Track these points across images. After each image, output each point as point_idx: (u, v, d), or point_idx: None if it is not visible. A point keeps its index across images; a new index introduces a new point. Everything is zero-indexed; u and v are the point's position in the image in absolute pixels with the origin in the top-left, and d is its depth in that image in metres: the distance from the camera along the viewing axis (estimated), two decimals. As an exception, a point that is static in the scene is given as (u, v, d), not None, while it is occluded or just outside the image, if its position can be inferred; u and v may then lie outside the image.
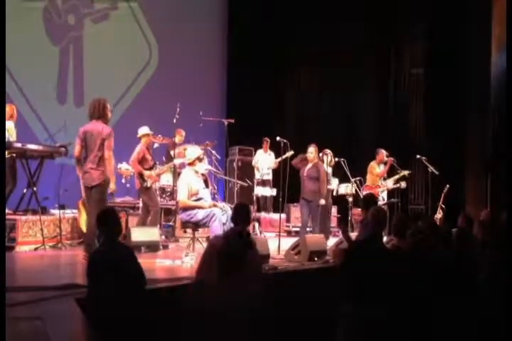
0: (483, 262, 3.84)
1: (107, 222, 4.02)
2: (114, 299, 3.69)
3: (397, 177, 9.60)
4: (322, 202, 8.37)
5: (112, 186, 6.09)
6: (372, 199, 6.19)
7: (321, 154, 8.94)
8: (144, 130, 7.91)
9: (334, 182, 9.24)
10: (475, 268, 3.80)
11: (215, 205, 6.87)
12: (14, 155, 7.37)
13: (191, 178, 6.88)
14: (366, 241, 4.30)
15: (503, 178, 9.41)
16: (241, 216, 4.89)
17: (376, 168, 9.50)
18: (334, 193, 9.53)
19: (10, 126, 7.57)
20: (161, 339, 3.66)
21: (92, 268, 3.91)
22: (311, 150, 8.51)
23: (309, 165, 8.47)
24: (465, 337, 3.45)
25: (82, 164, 6.13)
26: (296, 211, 9.67)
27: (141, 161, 7.70)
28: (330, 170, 9.01)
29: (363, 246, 4.18)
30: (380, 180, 9.48)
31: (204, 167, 7.68)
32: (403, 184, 9.52)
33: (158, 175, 8.04)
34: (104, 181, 6.03)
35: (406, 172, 9.67)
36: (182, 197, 6.69)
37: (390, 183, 9.48)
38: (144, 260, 6.18)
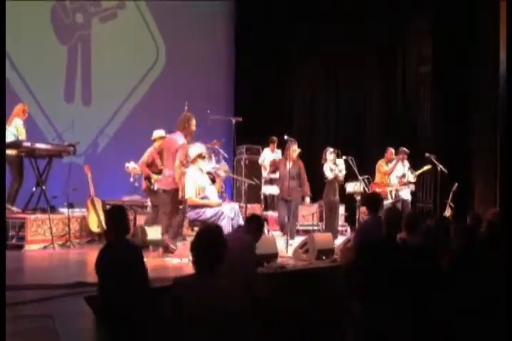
0: (489, 261, 3.83)
1: (115, 219, 4.00)
2: (119, 296, 3.69)
3: (420, 172, 9.56)
4: (307, 200, 8.36)
5: None
6: (375, 198, 6.14)
7: (325, 152, 8.94)
8: (158, 133, 7.90)
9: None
10: (481, 267, 3.79)
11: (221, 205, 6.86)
12: (23, 154, 7.39)
13: (197, 176, 6.89)
14: (379, 242, 4.29)
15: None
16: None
17: (384, 166, 9.58)
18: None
19: (18, 124, 7.50)
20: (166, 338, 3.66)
21: (98, 264, 3.93)
22: (295, 148, 8.47)
23: (290, 164, 8.42)
24: (468, 336, 3.45)
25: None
26: (303, 209, 9.62)
27: (150, 165, 7.74)
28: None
29: (375, 246, 4.17)
30: (389, 178, 9.49)
31: (211, 165, 7.69)
32: (412, 186, 9.52)
33: None
34: (174, 188, 6.56)
35: (428, 167, 9.61)
36: (190, 194, 6.69)
37: (411, 179, 9.46)
38: (152, 258, 6.24)
